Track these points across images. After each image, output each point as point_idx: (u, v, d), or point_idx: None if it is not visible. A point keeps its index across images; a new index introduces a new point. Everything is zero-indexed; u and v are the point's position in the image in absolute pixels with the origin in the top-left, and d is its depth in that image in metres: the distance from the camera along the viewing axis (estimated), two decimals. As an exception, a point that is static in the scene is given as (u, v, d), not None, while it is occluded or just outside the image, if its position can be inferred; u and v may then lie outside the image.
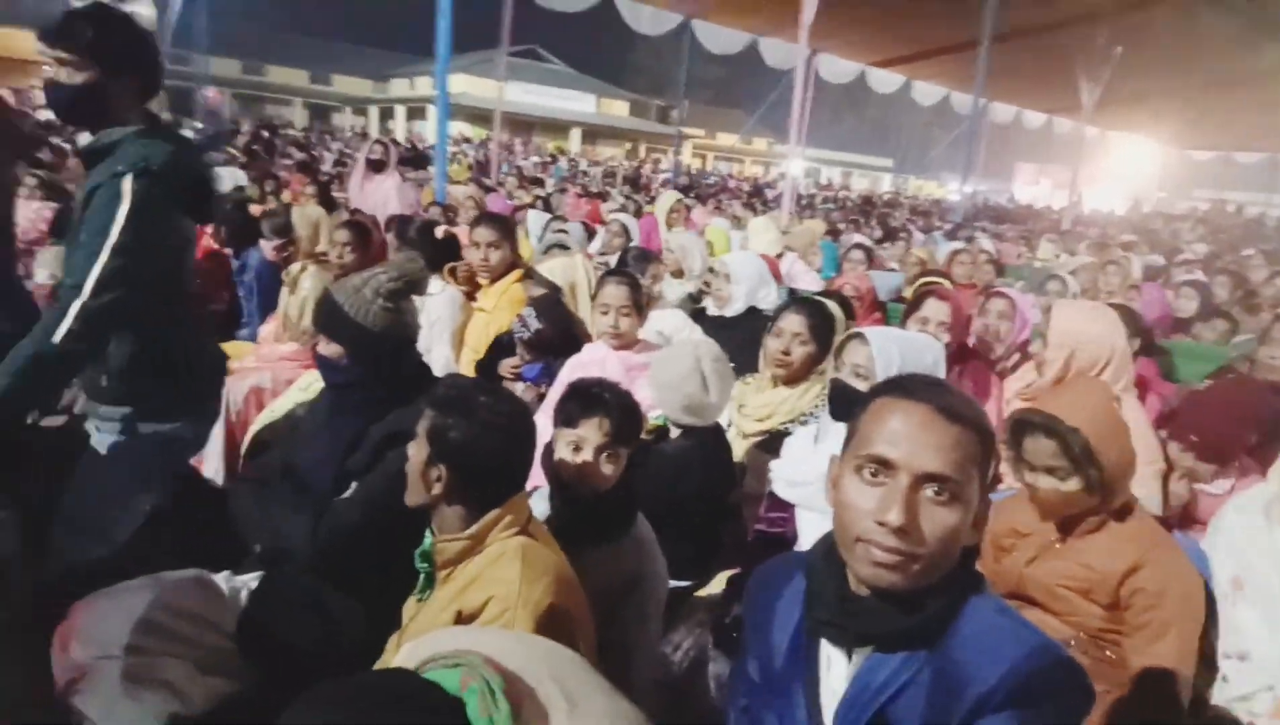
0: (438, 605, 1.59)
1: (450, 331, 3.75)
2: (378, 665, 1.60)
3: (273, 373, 3.62)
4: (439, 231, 4.53)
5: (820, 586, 1.19)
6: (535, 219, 6.55)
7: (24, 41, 16.48)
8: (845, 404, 2.13)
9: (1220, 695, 1.99)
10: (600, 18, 14.08)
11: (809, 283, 5.46)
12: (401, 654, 1.11)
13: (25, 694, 1.59)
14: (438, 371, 3.06)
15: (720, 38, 15.76)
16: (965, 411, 1.13)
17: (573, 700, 1.03)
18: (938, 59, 16.57)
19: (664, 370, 2.47)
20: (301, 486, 2.06)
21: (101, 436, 2.10)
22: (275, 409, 3.34)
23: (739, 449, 2.72)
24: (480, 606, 1.52)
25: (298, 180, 7.81)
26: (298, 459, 2.14)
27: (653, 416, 2.60)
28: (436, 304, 3.73)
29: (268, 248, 4.60)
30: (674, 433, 2.53)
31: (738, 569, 2.25)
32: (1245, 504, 2.14)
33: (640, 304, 3.10)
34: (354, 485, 2.00)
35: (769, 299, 3.83)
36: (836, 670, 1.17)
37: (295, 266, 4.12)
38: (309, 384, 3.30)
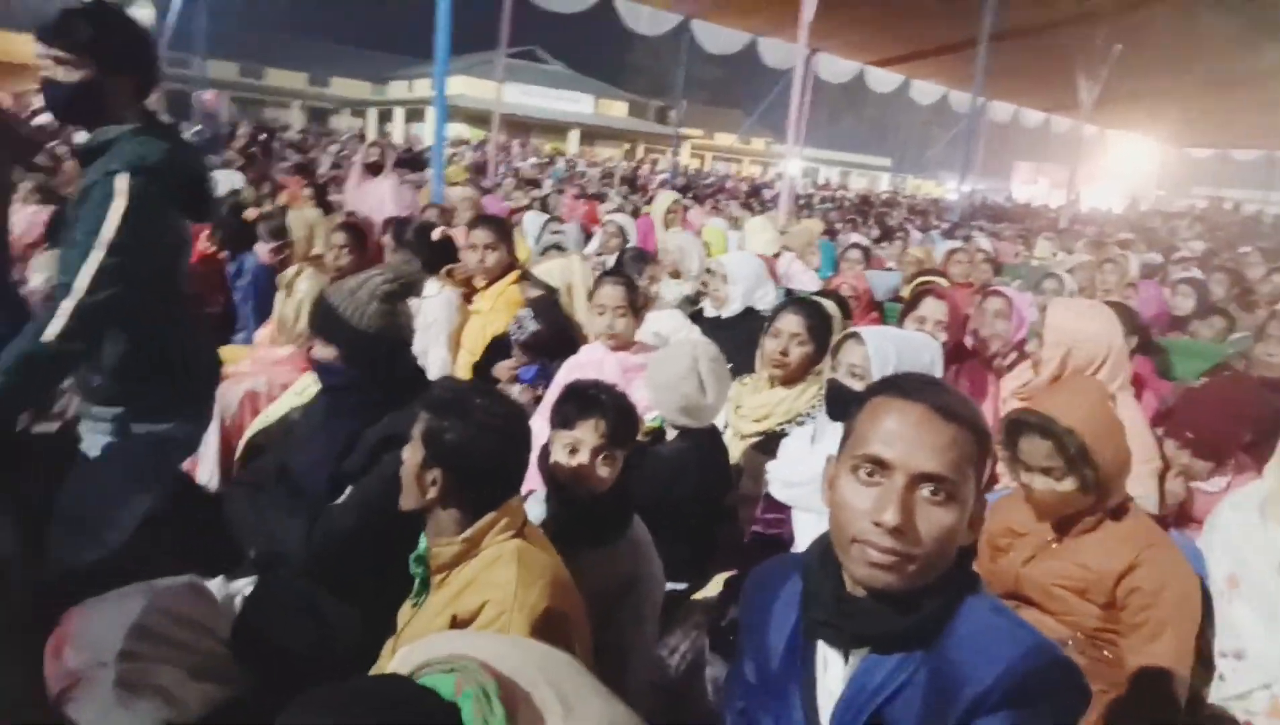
0: (433, 610, 1.59)
1: (447, 333, 3.74)
2: (373, 671, 1.60)
3: (268, 377, 3.61)
4: (436, 233, 4.52)
5: (816, 587, 1.19)
6: (532, 220, 6.55)
7: (22, 46, 16.48)
8: (842, 404, 2.13)
9: (1217, 694, 1.98)
10: (598, 18, 14.08)
11: (806, 282, 5.46)
12: (396, 659, 1.11)
13: (25, 694, 1.59)
14: (434, 373, 3.06)
15: (719, 38, 15.76)
16: (961, 410, 1.12)
17: (568, 704, 1.03)
18: (936, 58, 16.58)
19: (661, 371, 2.47)
20: (296, 490, 2.05)
21: (95, 437, 2.10)
22: (271, 413, 3.34)
23: (736, 450, 2.72)
24: (475, 610, 1.52)
25: (294, 182, 7.80)
26: (293, 463, 2.13)
27: (649, 418, 2.60)
28: (433, 306, 3.72)
29: (263, 250, 4.59)
30: (670, 434, 2.52)
31: (734, 571, 2.25)
32: (1241, 502, 2.14)
33: (637, 305, 3.10)
34: (349, 489, 1.99)
35: (766, 299, 3.83)
36: (833, 671, 1.17)
37: (291, 269, 4.12)
38: (304, 388, 3.29)
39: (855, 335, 2.29)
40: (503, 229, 3.89)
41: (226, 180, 6.88)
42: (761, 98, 20.12)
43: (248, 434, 3.29)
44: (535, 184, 13.36)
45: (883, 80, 18.51)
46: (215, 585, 1.81)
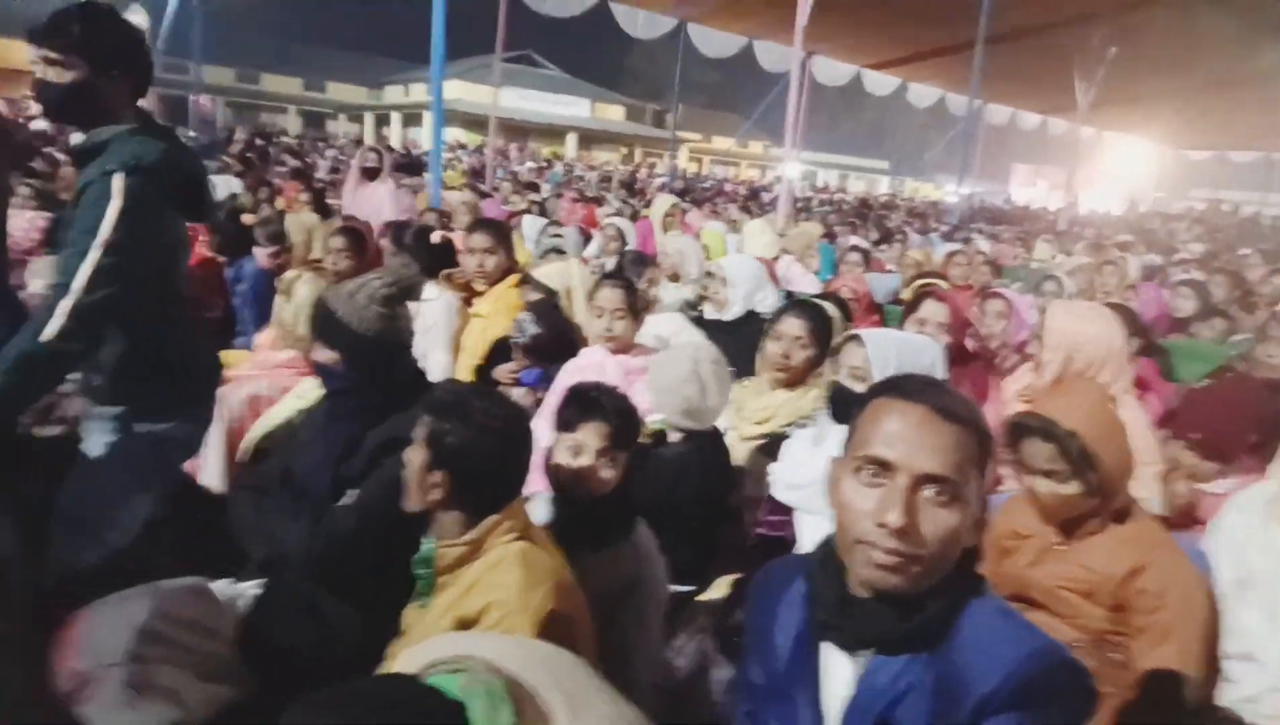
0: (437, 611, 1.58)
1: (447, 337, 3.74)
2: (379, 672, 1.59)
3: (270, 380, 3.61)
4: (435, 237, 4.52)
5: (821, 589, 1.19)
6: (530, 224, 6.56)
7: (17, 51, 16.50)
8: (845, 406, 2.13)
9: (1227, 697, 1.97)
10: (595, 23, 14.15)
11: (805, 285, 5.46)
12: (401, 659, 1.11)
13: (26, 695, 1.59)
14: (435, 377, 3.06)
15: (715, 41, 15.83)
16: (962, 411, 1.12)
17: (574, 704, 1.02)
18: (933, 61, 16.63)
19: (662, 374, 2.47)
20: (299, 493, 2.06)
21: (96, 437, 2.09)
22: (273, 417, 3.34)
23: (738, 452, 2.71)
24: (480, 612, 1.51)
25: (292, 187, 7.81)
26: (295, 466, 2.13)
27: (651, 421, 2.60)
28: (433, 309, 3.72)
29: (262, 255, 4.59)
30: (672, 437, 2.52)
31: (739, 573, 2.25)
32: (1245, 503, 2.13)
33: (636, 307, 3.10)
34: (350, 492, 1.99)
35: (767, 302, 3.83)
36: (839, 673, 1.17)
37: (290, 273, 4.11)
38: (306, 392, 3.29)
39: (856, 337, 2.29)
40: (501, 233, 3.89)
41: (224, 185, 6.89)
42: (759, 101, 20.16)
43: (251, 437, 3.29)
44: (533, 188, 13.38)
45: (880, 83, 18.57)
46: (220, 587, 1.81)
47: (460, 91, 30.01)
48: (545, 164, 22.76)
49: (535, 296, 3.61)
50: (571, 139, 38.06)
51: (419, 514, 1.65)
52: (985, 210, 20.62)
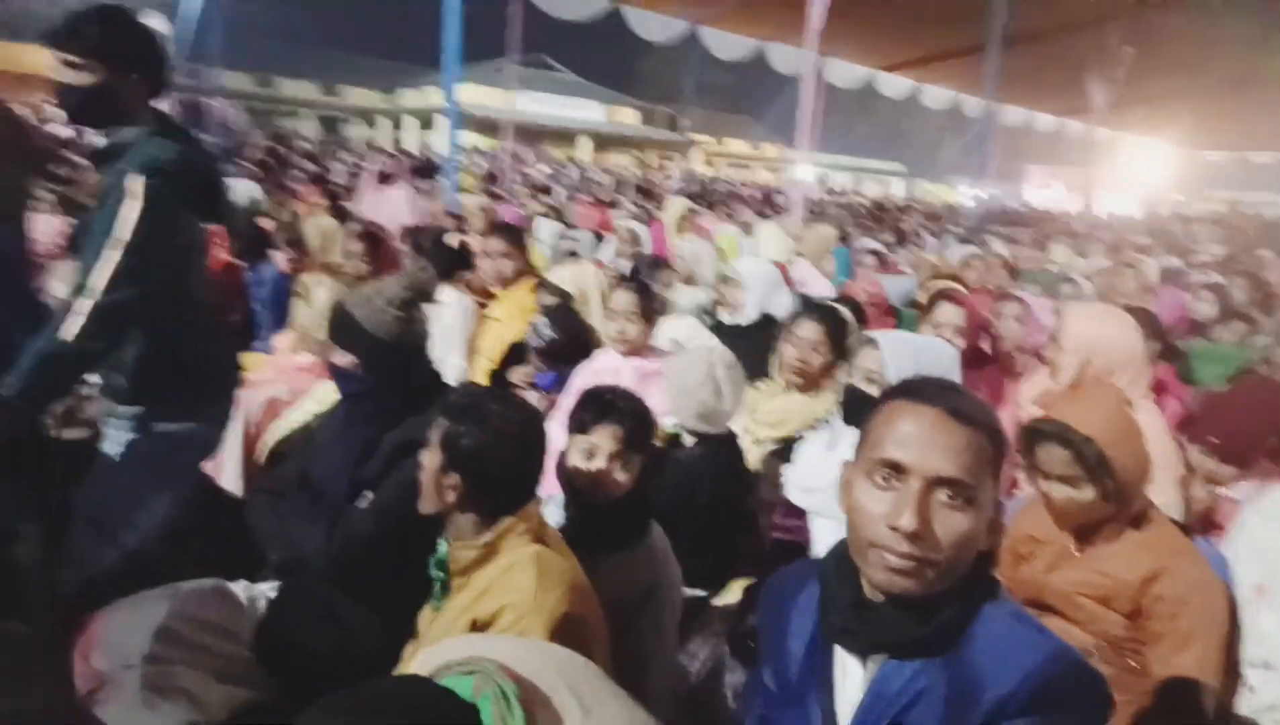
0: (452, 613, 1.59)
1: (463, 339, 3.76)
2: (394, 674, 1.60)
3: (288, 384, 3.64)
4: (452, 240, 4.56)
5: (834, 593, 1.18)
6: (545, 227, 6.58)
7: (32, 56, 16.71)
8: (859, 409, 2.12)
9: (1248, 705, 1.94)
10: (608, 26, 14.15)
11: (820, 289, 5.44)
12: (416, 661, 1.12)
13: (48, 699, 1.61)
14: (451, 380, 3.08)
15: (728, 44, 15.79)
16: (976, 414, 1.11)
17: (587, 707, 1.03)
18: (947, 63, 16.53)
19: (678, 377, 2.47)
20: (317, 496, 2.07)
21: (116, 437, 2.12)
22: (290, 420, 3.36)
23: (752, 456, 2.71)
24: (494, 614, 1.52)
25: (309, 191, 7.87)
26: (313, 469, 2.15)
27: (666, 424, 2.60)
28: (449, 313, 3.74)
29: (280, 259, 4.63)
30: (687, 440, 2.52)
31: (753, 577, 2.24)
32: (1266, 507, 2.10)
33: (650, 311, 3.10)
34: (367, 494, 2.00)
35: (782, 305, 3.82)
36: (852, 678, 1.16)
37: (308, 277, 4.15)
38: (324, 395, 3.32)
39: (871, 340, 2.28)
40: (517, 237, 3.92)
41: (244, 190, 6.94)
42: (772, 104, 20.12)
43: (269, 440, 3.32)
44: (547, 191, 13.40)
45: (894, 86, 18.47)
46: (238, 589, 1.83)
47: (475, 95, 30.08)
48: (560, 167, 22.82)
49: (550, 300, 3.63)
50: (585, 142, 38.11)
51: (434, 516, 1.66)
52: (1002, 213, 20.47)
